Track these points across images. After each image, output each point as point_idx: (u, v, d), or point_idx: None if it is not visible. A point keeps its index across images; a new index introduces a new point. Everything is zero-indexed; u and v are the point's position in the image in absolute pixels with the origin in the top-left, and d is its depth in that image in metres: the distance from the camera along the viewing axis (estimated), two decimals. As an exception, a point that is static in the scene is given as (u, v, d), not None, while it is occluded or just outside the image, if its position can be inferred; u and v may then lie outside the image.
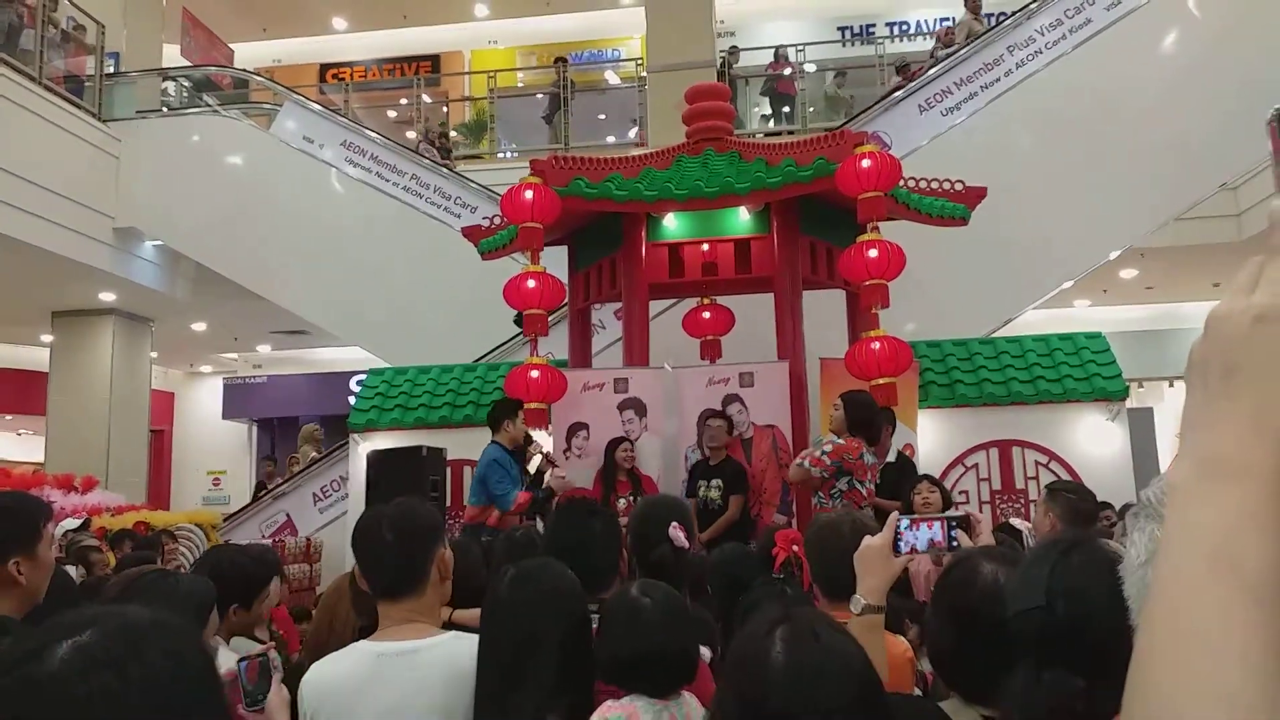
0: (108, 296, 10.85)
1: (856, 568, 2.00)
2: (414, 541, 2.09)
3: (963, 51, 9.24)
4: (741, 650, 1.39)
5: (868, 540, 2.03)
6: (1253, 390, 0.58)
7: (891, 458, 6.06)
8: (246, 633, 2.85)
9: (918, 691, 2.56)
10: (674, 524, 2.80)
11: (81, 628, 0.76)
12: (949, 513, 2.15)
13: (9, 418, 14.56)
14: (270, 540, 8.80)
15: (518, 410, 5.90)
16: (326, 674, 2.04)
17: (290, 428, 15.69)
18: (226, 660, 2.19)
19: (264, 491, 10.27)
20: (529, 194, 5.82)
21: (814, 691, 1.29)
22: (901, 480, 5.66)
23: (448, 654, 1.99)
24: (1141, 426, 7.72)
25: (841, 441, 5.22)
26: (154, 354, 12.23)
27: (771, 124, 12.13)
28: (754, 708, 1.31)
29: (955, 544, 2.03)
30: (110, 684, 0.72)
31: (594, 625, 2.05)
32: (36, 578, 2.27)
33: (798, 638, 1.34)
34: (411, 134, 12.50)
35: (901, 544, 1.98)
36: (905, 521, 2.00)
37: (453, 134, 13.59)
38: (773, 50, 12.29)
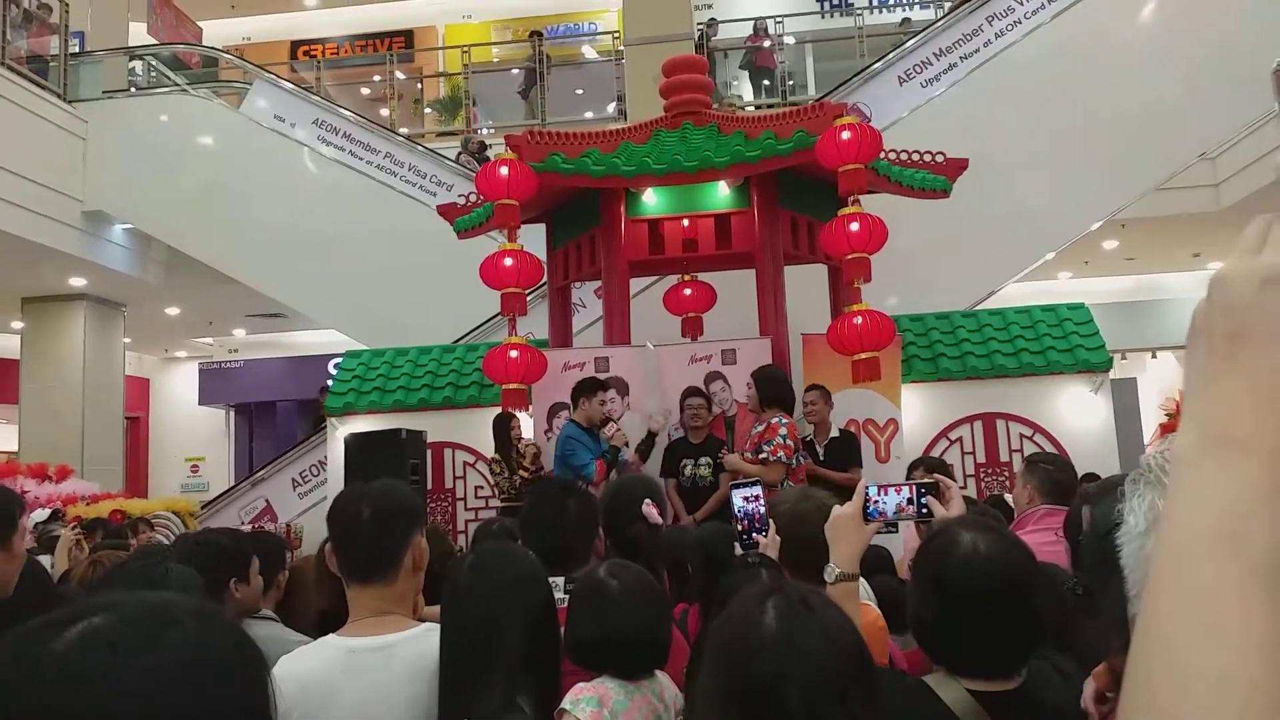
0: (78, 281, 10.66)
1: (828, 536, 2.00)
2: (392, 522, 2.01)
3: (941, 22, 9.16)
4: (732, 622, 1.37)
5: (838, 509, 2.04)
6: (1259, 358, 0.54)
7: (835, 433, 6.10)
8: (273, 606, 2.84)
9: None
10: (647, 501, 2.78)
11: (96, 610, 0.69)
12: (919, 479, 2.13)
13: (-20, 406, 14.33)
14: (250, 527, 8.71)
15: (595, 390, 5.83)
16: (296, 670, 1.96)
17: (268, 412, 15.57)
18: None
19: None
20: (504, 170, 5.71)
21: (808, 661, 1.28)
22: (847, 454, 5.93)
23: (422, 648, 1.91)
24: (1125, 397, 7.74)
25: (784, 421, 5.36)
26: (127, 339, 12.07)
27: (750, 96, 12.02)
28: (746, 679, 1.29)
29: (925, 510, 2.05)
30: (124, 665, 0.66)
31: (566, 605, 2.02)
32: (9, 570, 2.26)
33: (790, 608, 1.33)
34: (385, 111, 12.32)
35: (872, 510, 1.99)
36: (874, 488, 2.01)
37: (427, 111, 13.42)
38: (747, 20, 12.17)
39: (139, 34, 13.42)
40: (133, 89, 11.24)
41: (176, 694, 0.66)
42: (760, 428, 5.42)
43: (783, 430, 5.31)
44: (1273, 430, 0.53)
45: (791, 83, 11.36)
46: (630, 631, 1.89)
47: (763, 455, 5.30)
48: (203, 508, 9.28)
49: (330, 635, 2.01)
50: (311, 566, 3.28)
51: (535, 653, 1.86)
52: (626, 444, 5.79)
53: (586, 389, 5.88)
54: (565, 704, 1.84)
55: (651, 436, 5.88)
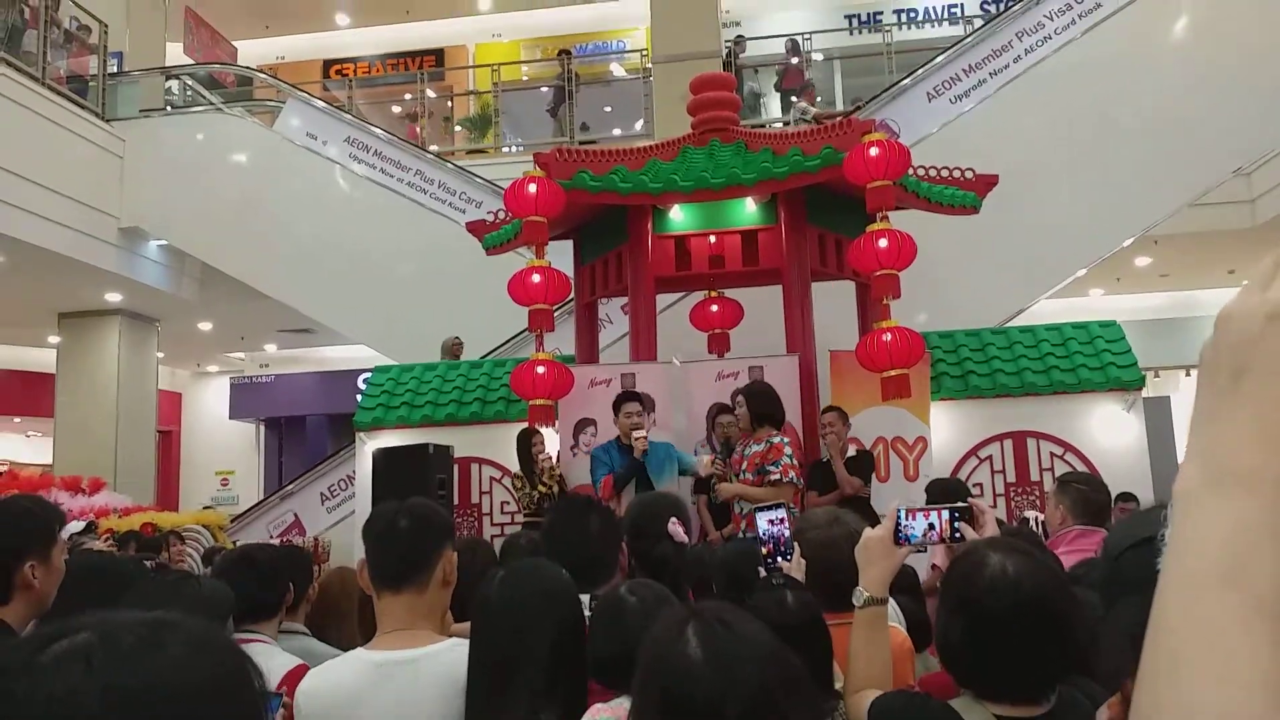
0: (114, 297, 10.83)
1: (858, 559, 1.98)
2: (427, 532, 2.06)
3: (970, 39, 9.13)
4: (655, 653, 1.38)
5: (868, 532, 2.01)
6: (1264, 393, 0.54)
7: (852, 452, 5.96)
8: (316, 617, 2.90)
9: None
10: (673, 520, 2.75)
11: (85, 627, 0.68)
12: (953, 504, 2.10)
13: (17, 420, 14.56)
14: (279, 541, 8.77)
15: (620, 405, 5.74)
16: (324, 683, 1.97)
17: (298, 427, 15.70)
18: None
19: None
20: (533, 188, 5.74)
21: (735, 678, 1.29)
22: (863, 474, 5.77)
23: (449, 662, 1.91)
24: (1158, 416, 7.62)
25: (786, 440, 5.31)
26: (160, 354, 12.22)
27: (779, 114, 12.03)
28: (679, 706, 1.30)
29: (959, 535, 2.00)
30: (97, 683, 0.64)
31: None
32: (49, 583, 2.25)
33: (709, 629, 1.34)
34: (416, 128, 12.44)
35: (902, 534, 1.96)
36: (904, 512, 1.98)
37: (457, 129, 13.53)
38: (776, 38, 12.18)
39: (175, 54, 13.66)
40: (169, 108, 11.44)
41: (149, 716, 0.64)
42: (759, 447, 5.28)
43: (787, 450, 5.25)
44: (1277, 466, 0.53)
45: (820, 99, 11.35)
46: None
47: (774, 476, 5.17)
48: (232, 521, 9.36)
49: (358, 649, 2.02)
50: (340, 580, 3.30)
51: (563, 669, 1.86)
52: (644, 450, 5.72)
53: (614, 406, 5.86)
54: None
55: (706, 479, 5.69)
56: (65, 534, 6.01)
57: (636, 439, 5.49)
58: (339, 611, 3.09)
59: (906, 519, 1.99)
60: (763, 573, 2.66)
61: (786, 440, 5.32)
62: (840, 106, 11.06)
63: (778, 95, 12.19)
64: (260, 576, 2.69)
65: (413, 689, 1.90)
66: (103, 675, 0.64)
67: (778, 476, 5.18)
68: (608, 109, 12.99)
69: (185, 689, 0.66)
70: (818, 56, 11.93)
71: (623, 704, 1.85)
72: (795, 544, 2.62)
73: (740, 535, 5.07)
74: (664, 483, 5.44)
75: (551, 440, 6.48)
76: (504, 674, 1.83)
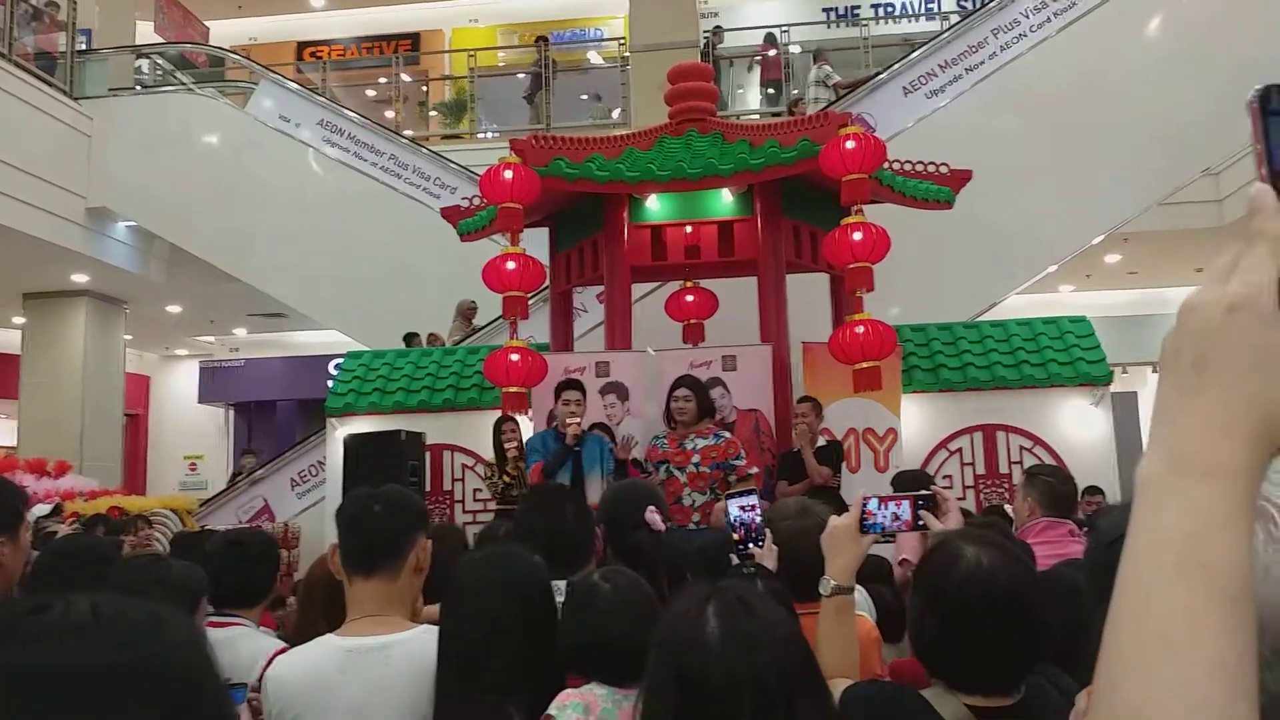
0: (80, 278, 10.67)
1: (824, 548, 1.98)
2: (400, 518, 2.05)
3: (946, 34, 9.18)
4: (674, 628, 1.38)
5: (834, 520, 2.01)
6: (1223, 384, 0.55)
7: (822, 443, 5.98)
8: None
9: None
10: (650, 508, 2.75)
11: (36, 608, 0.66)
12: (917, 492, 2.13)
13: (-20, 401, 14.33)
14: (247, 526, 8.69)
15: (559, 393, 5.69)
16: (293, 669, 1.95)
17: (268, 412, 15.57)
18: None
19: (241, 478, 10.16)
20: (508, 174, 5.71)
21: (753, 662, 1.28)
22: (831, 464, 5.80)
23: (420, 649, 1.91)
24: (1125, 411, 7.72)
25: (728, 435, 5.41)
26: (128, 336, 12.07)
27: (756, 105, 12.05)
28: (693, 684, 1.30)
29: (921, 524, 2.03)
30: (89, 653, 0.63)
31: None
32: (16, 562, 2.25)
33: (730, 610, 1.34)
34: (390, 113, 12.33)
35: (869, 523, 1.97)
36: (874, 501, 1.99)
37: (432, 113, 13.43)
38: (754, 29, 12.17)
39: (146, 32, 13.45)
40: (139, 87, 11.27)
41: (76, 694, 0.62)
42: (710, 440, 5.29)
43: (738, 442, 5.36)
44: (1235, 455, 0.54)
45: (796, 93, 11.37)
46: (618, 637, 1.84)
47: (751, 471, 5.26)
48: (201, 505, 9.27)
49: (328, 635, 2.00)
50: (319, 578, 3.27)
51: (535, 653, 1.85)
52: (597, 427, 5.66)
53: (555, 392, 5.77)
54: (551, 710, 1.81)
55: (622, 463, 5.58)
56: (31, 516, 5.96)
57: (569, 424, 5.42)
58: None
59: (874, 507, 2.00)
60: (734, 560, 2.67)
61: (730, 435, 5.44)
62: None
63: (755, 87, 12.20)
64: (249, 561, 2.69)
65: (383, 675, 1.89)
66: (39, 653, 0.63)
67: (750, 471, 5.25)
68: (584, 97, 12.94)
69: (118, 669, 0.64)
70: (794, 49, 11.93)
71: (592, 690, 1.84)
72: (767, 530, 2.63)
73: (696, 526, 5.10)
74: (592, 477, 5.40)
75: (526, 428, 6.47)
76: (474, 658, 1.82)
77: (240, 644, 2.42)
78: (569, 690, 1.86)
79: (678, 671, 1.33)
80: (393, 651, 1.91)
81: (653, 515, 2.73)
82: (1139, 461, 0.59)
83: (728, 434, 5.43)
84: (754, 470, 5.30)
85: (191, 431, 15.80)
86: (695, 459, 5.29)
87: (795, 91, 11.13)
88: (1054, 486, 3.42)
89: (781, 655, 1.31)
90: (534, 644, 1.86)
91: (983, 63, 8.88)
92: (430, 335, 9.29)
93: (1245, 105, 0.63)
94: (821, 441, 5.98)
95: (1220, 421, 0.55)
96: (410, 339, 9.21)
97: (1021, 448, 6.99)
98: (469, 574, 1.94)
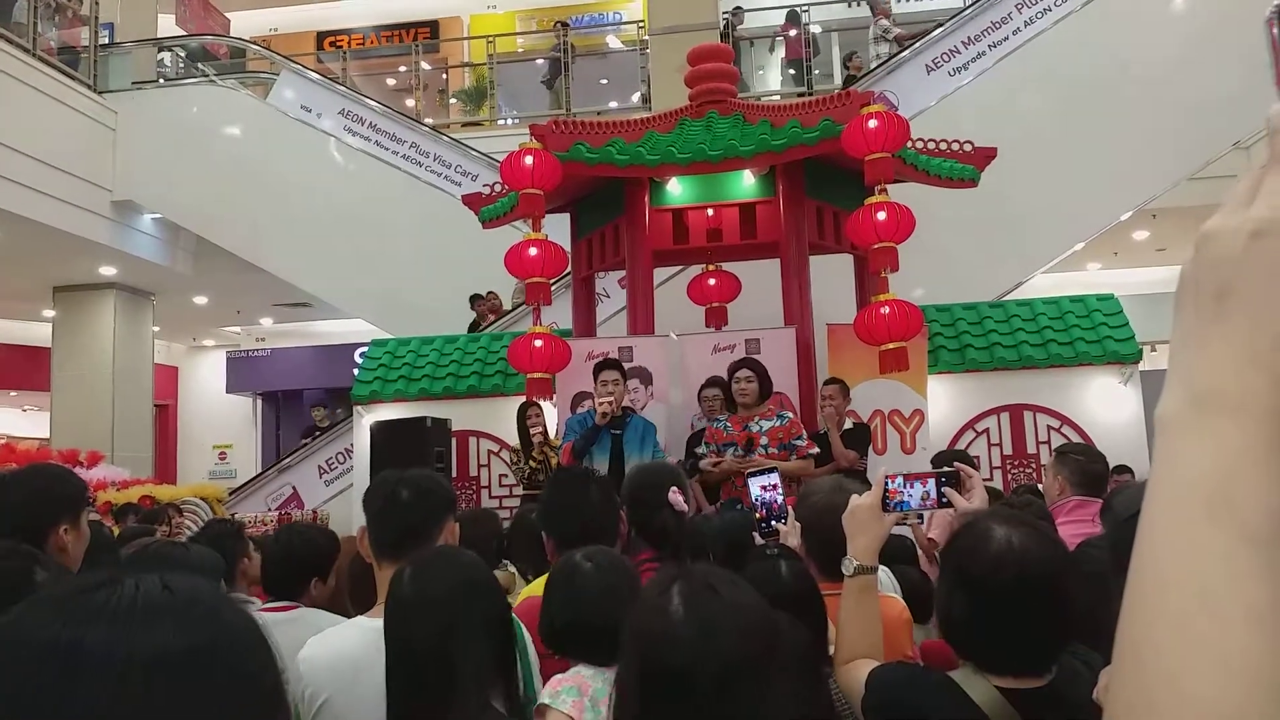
0: (108, 271, 10.78)
1: (846, 528, 1.97)
2: (429, 501, 2.06)
3: (969, 10, 9.06)
4: (639, 614, 1.37)
5: (856, 499, 1.99)
6: (1248, 314, 0.51)
7: (848, 425, 5.98)
8: (328, 605, 2.88)
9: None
10: (673, 489, 2.74)
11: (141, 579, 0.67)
12: (940, 469, 2.10)
13: (13, 394, 14.54)
14: (277, 514, 8.78)
15: (596, 373, 5.59)
16: (326, 650, 1.96)
17: (295, 400, 15.69)
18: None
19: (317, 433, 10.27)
20: (529, 160, 5.70)
21: (717, 645, 1.27)
22: (860, 447, 5.82)
23: None
24: (1155, 389, 7.53)
25: (791, 415, 5.37)
26: (156, 328, 12.18)
27: (777, 86, 11.95)
28: (657, 666, 1.29)
29: (945, 501, 2.01)
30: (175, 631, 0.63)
31: None
32: (78, 549, 2.31)
33: (695, 594, 1.33)
34: (410, 101, 12.34)
35: (891, 501, 1.96)
36: (898, 480, 1.98)
37: (452, 101, 13.43)
38: (776, 9, 12.06)
39: (167, 25, 13.52)
40: (161, 80, 11.33)
41: (153, 675, 0.62)
42: (775, 422, 5.28)
43: (800, 423, 5.34)
44: (1263, 389, 0.50)
45: (817, 72, 11.27)
46: (598, 618, 1.81)
47: (812, 451, 5.28)
48: (231, 494, 9.37)
49: (359, 616, 2.02)
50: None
51: (498, 653, 1.76)
52: (607, 415, 5.61)
53: (594, 372, 5.68)
54: (544, 698, 1.78)
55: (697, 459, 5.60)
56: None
57: (600, 404, 5.36)
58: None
59: (898, 485, 1.98)
60: (758, 539, 2.66)
61: (791, 416, 5.40)
62: (838, 80, 10.97)
63: (777, 67, 12.10)
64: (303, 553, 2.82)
65: None
66: (123, 631, 0.63)
67: (810, 451, 5.26)
68: (604, 81, 12.89)
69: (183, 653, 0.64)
70: (815, 29, 11.82)
71: (580, 672, 1.83)
72: (789, 509, 2.61)
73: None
74: (632, 460, 5.28)
75: (549, 414, 6.48)
76: (436, 667, 1.68)
77: (302, 625, 2.43)
78: (557, 675, 1.84)
79: (642, 654, 1.32)
80: None
81: (675, 496, 2.73)
82: (1158, 403, 0.54)
83: (790, 414, 5.40)
84: (815, 451, 5.31)
85: (220, 421, 15.96)
86: (764, 440, 5.25)
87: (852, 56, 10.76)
88: (1084, 465, 3.40)
89: (744, 640, 1.29)
90: (505, 636, 1.79)
91: (1006, 38, 8.77)
92: (489, 292, 9.34)
93: (1264, 22, 0.60)
94: (848, 424, 5.95)
95: (1247, 352, 0.51)
96: (475, 300, 9.34)
97: (1049, 428, 6.93)
98: (407, 585, 1.76)
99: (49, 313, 11.38)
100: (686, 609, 1.31)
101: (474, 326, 9.20)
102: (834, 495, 2.38)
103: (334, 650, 1.94)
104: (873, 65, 9.52)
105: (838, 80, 10.96)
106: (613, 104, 12.42)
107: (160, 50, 11.81)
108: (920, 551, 4.15)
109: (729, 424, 5.38)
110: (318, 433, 10.25)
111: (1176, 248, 11.78)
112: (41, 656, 0.61)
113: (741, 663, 1.27)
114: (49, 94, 9.55)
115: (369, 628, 1.94)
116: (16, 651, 0.62)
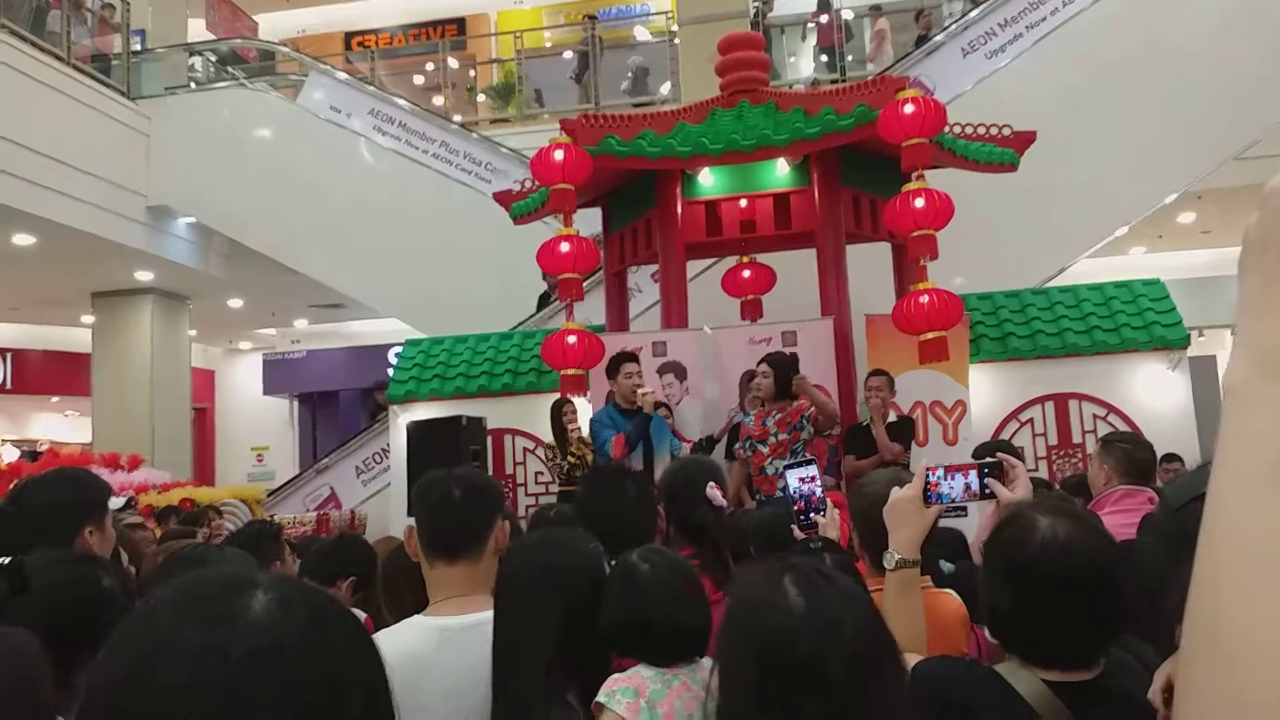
0: (145, 275, 10.88)
1: (887, 521, 1.94)
2: (481, 501, 2.05)
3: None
4: (748, 607, 1.33)
5: (897, 491, 1.96)
6: None
7: (892, 418, 5.86)
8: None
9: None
10: (711, 484, 2.72)
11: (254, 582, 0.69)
12: (983, 459, 2.06)
13: (55, 399, 14.76)
14: (315, 514, 8.82)
15: (618, 366, 5.72)
16: (389, 648, 1.90)
17: (330, 402, 15.80)
18: None
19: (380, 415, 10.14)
20: (559, 154, 5.64)
21: (842, 632, 1.25)
22: (903, 440, 5.72)
23: None
24: (1204, 376, 7.42)
25: (795, 403, 5.36)
26: (193, 332, 12.30)
27: (813, 74, 11.80)
28: (779, 661, 1.25)
29: (988, 492, 1.96)
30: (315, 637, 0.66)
31: None
32: (105, 549, 2.33)
33: (810, 582, 1.30)
34: (439, 99, 12.35)
35: (933, 493, 1.92)
36: (939, 471, 1.94)
37: (480, 98, 13.42)
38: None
39: (197, 30, 13.64)
40: (192, 84, 11.42)
41: (273, 677, 0.63)
42: (781, 413, 5.35)
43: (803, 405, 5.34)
44: None
45: (850, 58, 11.12)
46: (657, 618, 1.82)
47: (835, 430, 5.41)
48: (269, 495, 9.43)
49: (416, 616, 2.00)
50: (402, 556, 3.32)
51: (583, 643, 1.81)
52: (659, 405, 5.64)
53: (610, 369, 5.79)
54: (600, 697, 1.78)
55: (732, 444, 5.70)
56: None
57: (644, 395, 5.44)
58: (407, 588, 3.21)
59: (938, 477, 1.94)
60: (796, 532, 2.61)
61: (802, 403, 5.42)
62: (872, 66, 10.82)
63: (809, 55, 11.95)
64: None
65: (479, 653, 1.86)
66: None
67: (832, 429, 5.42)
68: (630, 75, 12.80)
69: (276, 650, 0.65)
70: (847, 15, 11.66)
71: (639, 672, 1.81)
72: (828, 500, 2.57)
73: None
74: (662, 450, 5.46)
75: (584, 410, 6.43)
76: (526, 646, 1.78)
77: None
78: (616, 675, 1.82)
79: (759, 648, 1.28)
80: (486, 631, 1.88)
81: (713, 491, 2.70)
82: (1224, 373, 0.52)
83: (793, 402, 5.42)
84: (836, 429, 5.35)
85: (257, 423, 16.11)
86: (774, 430, 5.34)
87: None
88: (1131, 453, 3.34)
89: (868, 628, 1.28)
90: (582, 630, 1.82)
91: (1044, 19, 8.58)
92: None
93: None
94: (892, 417, 5.85)
95: None
96: (544, 299, 9.06)
97: (1095, 416, 6.78)
98: (519, 561, 1.90)
99: (88, 318, 11.52)
100: (807, 600, 1.28)
101: (543, 299, 9.07)
102: (890, 489, 2.32)
103: (398, 648, 1.90)
104: (946, 22, 9.31)
105: (870, 67, 10.80)
106: (642, 96, 12.33)
107: (191, 55, 11.90)
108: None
109: (752, 419, 5.50)
110: (383, 414, 10.22)
111: (1222, 230, 11.50)
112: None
113: (868, 651, 1.26)
114: (84, 101, 9.64)
115: (432, 626, 1.94)
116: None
